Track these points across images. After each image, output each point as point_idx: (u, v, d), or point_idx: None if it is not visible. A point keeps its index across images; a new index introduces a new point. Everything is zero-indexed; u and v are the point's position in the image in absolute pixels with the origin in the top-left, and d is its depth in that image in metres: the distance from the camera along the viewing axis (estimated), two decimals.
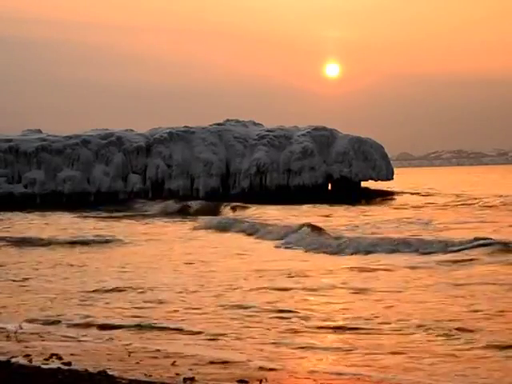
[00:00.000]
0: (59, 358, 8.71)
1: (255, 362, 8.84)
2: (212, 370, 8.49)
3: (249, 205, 44.95)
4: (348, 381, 8.20)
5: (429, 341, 9.90)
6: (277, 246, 23.55)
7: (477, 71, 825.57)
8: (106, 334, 10.81)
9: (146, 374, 8.08)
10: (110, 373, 7.98)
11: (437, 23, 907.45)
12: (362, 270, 17.22)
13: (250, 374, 8.23)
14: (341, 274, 16.76)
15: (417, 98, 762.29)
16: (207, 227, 31.43)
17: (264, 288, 14.59)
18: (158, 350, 9.53)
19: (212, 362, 8.80)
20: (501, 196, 45.25)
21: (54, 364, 8.35)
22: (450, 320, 11.04)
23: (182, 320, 11.68)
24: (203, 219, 34.28)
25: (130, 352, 9.46)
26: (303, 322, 11.32)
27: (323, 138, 57.11)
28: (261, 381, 8.00)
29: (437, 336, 10.12)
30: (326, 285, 14.93)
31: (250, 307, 12.50)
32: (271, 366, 8.66)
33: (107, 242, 26.12)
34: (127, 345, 9.94)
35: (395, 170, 60.55)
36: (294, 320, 11.44)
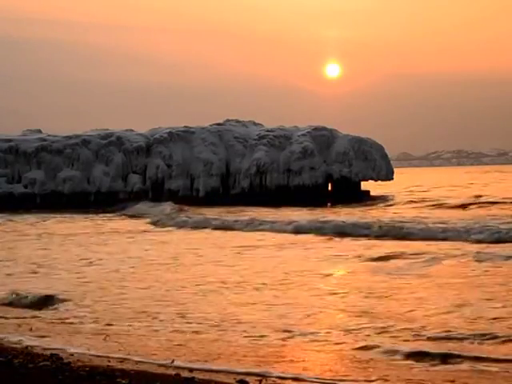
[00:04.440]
0: (59, 358, 8.72)
1: None
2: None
3: None
4: None
5: None
6: None
7: (477, 71, 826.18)
8: None
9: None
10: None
11: (437, 23, 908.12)
12: None
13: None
14: None
15: (417, 98, 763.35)
16: None
17: None
18: None
19: None
20: None
21: (54, 364, 8.36)
22: None
23: None
24: None
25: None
26: None
27: (323, 137, 57.12)
28: (260, 381, 8.01)
29: None
30: None
31: None
32: None
33: None
34: None
35: (395, 170, 60.66)
36: None
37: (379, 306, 12.64)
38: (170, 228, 33.25)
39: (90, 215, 44.10)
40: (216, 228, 32.13)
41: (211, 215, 37.52)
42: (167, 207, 44.99)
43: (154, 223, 35.84)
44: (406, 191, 62.80)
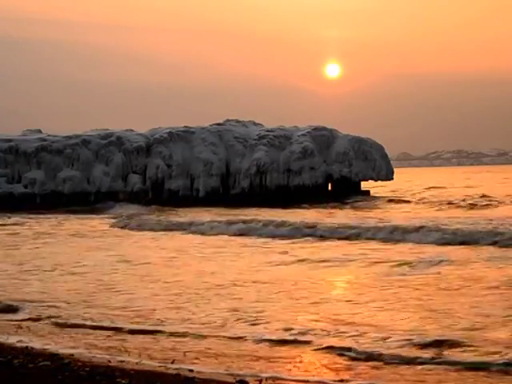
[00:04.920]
0: (59, 358, 8.73)
1: None
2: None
3: None
4: None
5: None
6: None
7: (477, 71, 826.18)
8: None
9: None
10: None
11: (436, 23, 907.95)
12: None
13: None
14: None
15: (417, 98, 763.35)
16: None
17: None
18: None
19: None
20: None
21: (54, 364, 8.36)
22: None
23: None
24: None
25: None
26: None
27: (323, 137, 57.13)
28: (260, 381, 8.02)
29: None
30: None
31: None
32: None
33: None
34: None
35: (395, 170, 60.65)
36: None
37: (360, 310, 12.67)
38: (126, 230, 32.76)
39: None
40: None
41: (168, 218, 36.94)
42: (129, 209, 44.79)
43: (116, 225, 35.15)
44: (409, 191, 62.97)
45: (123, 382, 7.51)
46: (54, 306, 13.30)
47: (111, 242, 26.94)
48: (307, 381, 8.22)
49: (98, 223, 37.13)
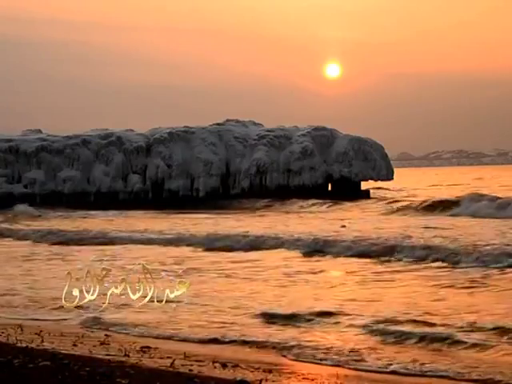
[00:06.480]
0: (59, 358, 8.73)
1: None
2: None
3: None
4: None
5: None
6: None
7: (477, 71, 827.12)
8: None
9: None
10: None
11: (437, 23, 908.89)
12: None
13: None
14: None
15: (417, 98, 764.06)
16: None
17: None
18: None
19: None
20: None
21: (54, 364, 8.36)
22: None
23: None
24: None
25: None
26: None
27: (323, 138, 57.16)
28: (260, 381, 8.01)
29: None
30: None
31: None
32: None
33: None
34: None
35: (395, 170, 60.64)
36: None
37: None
38: None
39: None
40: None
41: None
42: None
43: None
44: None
45: (123, 382, 7.50)
46: None
47: None
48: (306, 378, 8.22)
49: None
